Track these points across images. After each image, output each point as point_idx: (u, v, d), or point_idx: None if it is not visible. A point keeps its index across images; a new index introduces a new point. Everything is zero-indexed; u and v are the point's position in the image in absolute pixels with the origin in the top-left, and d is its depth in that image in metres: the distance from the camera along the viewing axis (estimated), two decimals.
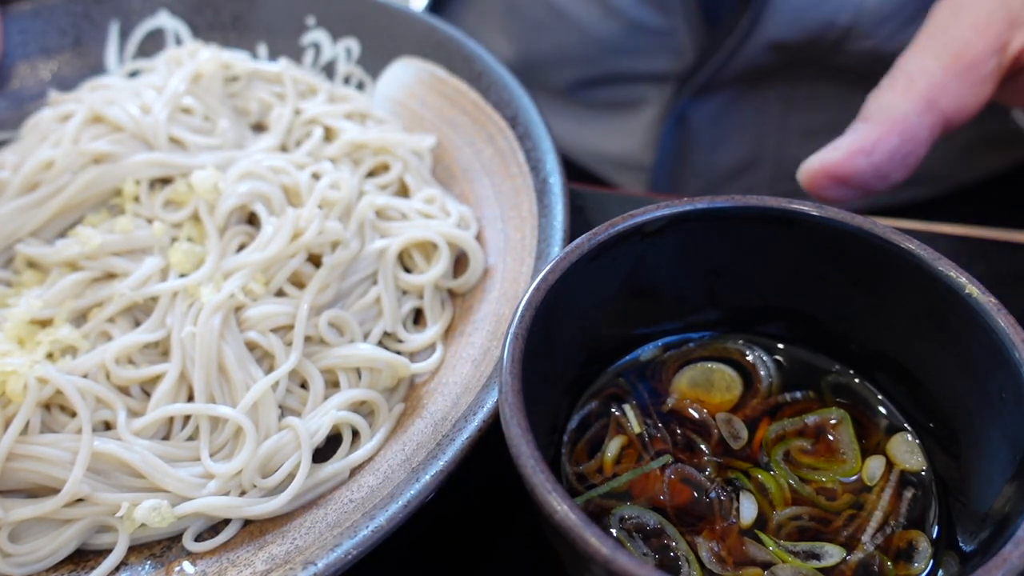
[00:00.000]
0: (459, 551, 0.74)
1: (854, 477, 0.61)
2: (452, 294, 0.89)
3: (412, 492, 0.67)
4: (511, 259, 0.86)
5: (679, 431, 0.64)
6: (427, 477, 0.68)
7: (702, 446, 0.63)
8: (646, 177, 1.36)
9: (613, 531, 0.59)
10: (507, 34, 1.40)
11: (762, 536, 0.58)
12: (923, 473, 0.61)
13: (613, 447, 0.63)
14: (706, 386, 0.66)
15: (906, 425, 0.64)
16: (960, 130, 1.14)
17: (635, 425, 0.64)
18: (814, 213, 0.62)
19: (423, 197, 0.93)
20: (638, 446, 0.63)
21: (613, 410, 0.65)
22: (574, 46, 1.32)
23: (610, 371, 0.68)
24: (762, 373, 0.67)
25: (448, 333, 0.86)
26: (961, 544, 0.57)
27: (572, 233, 0.72)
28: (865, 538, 0.58)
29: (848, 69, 1.19)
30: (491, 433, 0.68)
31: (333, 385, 0.82)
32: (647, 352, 0.69)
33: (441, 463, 0.69)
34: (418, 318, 0.89)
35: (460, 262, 0.90)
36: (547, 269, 0.60)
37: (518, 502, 0.76)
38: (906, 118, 0.78)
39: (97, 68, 1.14)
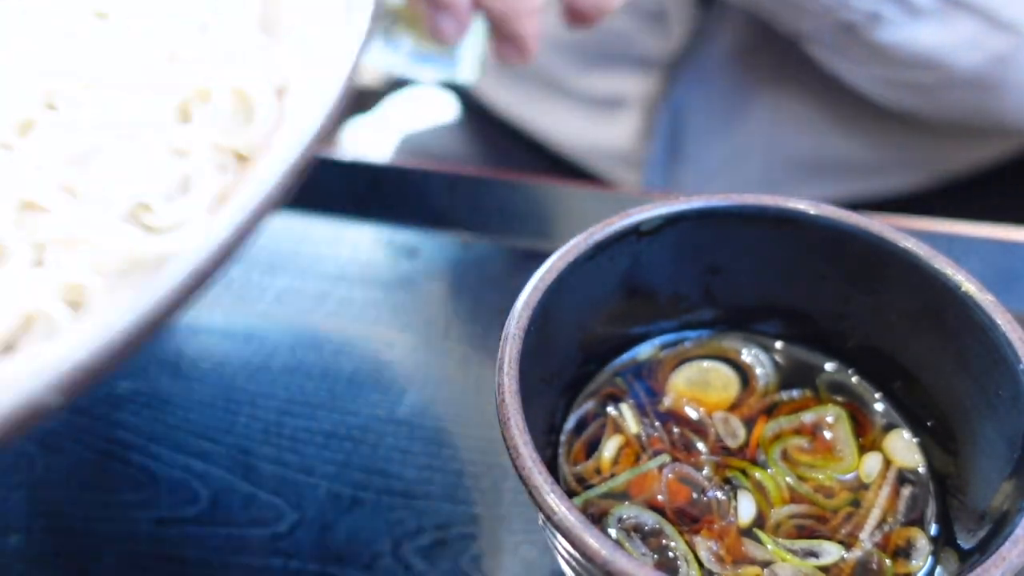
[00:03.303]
0: (456, 543, 0.74)
1: (851, 475, 0.62)
2: (239, 157, 0.68)
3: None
4: (308, 108, 0.62)
5: (676, 430, 0.64)
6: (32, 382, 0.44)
7: (699, 445, 0.63)
8: (637, 169, 1.36)
9: (612, 531, 0.59)
10: None
11: (760, 535, 0.59)
12: (920, 470, 0.63)
13: (611, 447, 0.64)
14: (703, 385, 0.67)
15: (903, 422, 0.65)
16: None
17: (632, 425, 0.65)
18: (811, 212, 0.63)
19: (221, 36, 0.72)
20: (636, 446, 0.64)
21: (610, 410, 0.66)
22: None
23: (607, 371, 0.68)
24: (758, 372, 0.67)
25: (224, 203, 0.63)
26: (960, 542, 0.58)
27: (566, 233, 0.71)
28: (863, 536, 0.59)
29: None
30: (477, 408, 0.65)
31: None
32: (644, 351, 0.69)
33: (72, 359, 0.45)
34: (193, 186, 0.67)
35: (252, 116, 0.69)
36: (544, 269, 0.61)
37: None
38: None
39: None
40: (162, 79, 0.67)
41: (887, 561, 0.58)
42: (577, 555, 0.50)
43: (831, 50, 1.12)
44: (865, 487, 0.62)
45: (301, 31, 0.73)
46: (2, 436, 0.42)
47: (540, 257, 0.62)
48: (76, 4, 0.70)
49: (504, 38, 0.94)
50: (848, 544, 0.59)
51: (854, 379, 0.67)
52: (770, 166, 1.34)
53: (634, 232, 0.64)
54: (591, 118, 1.40)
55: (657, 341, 0.70)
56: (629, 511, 0.60)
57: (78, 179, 0.61)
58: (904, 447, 0.63)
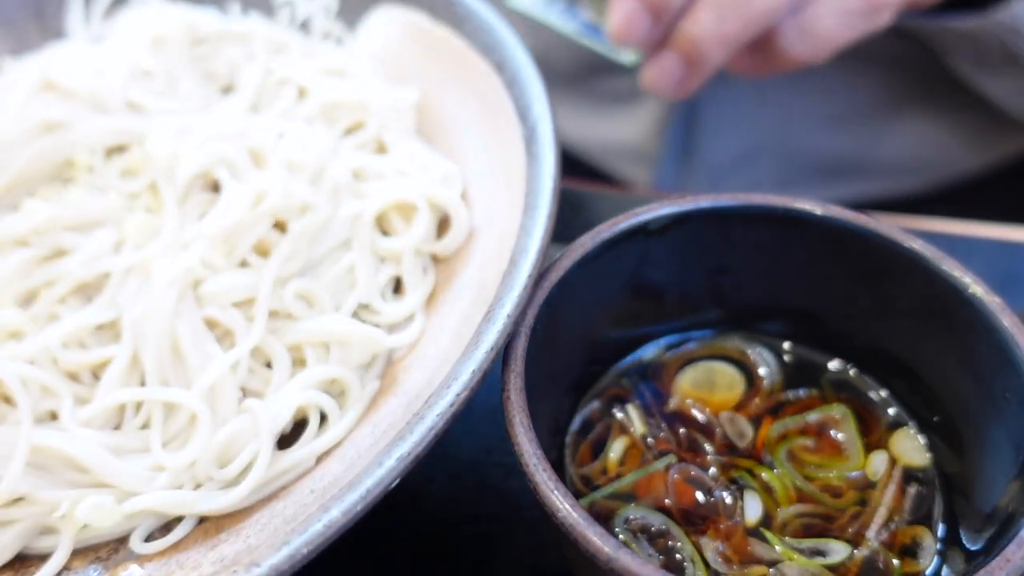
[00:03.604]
0: (457, 544, 0.74)
1: (858, 473, 0.63)
2: (435, 259, 0.82)
3: (372, 480, 0.60)
4: (498, 217, 0.79)
5: (682, 431, 0.65)
6: (390, 461, 0.61)
7: (705, 446, 0.64)
8: (650, 166, 1.37)
9: (618, 532, 0.59)
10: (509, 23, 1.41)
11: (767, 534, 0.59)
12: (926, 469, 0.63)
13: (617, 448, 0.64)
14: (708, 385, 0.67)
15: (908, 421, 0.65)
16: (970, 122, 1.17)
17: (638, 426, 0.65)
18: (818, 212, 0.63)
19: (402, 153, 0.87)
20: (642, 447, 0.64)
21: (615, 411, 0.66)
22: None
23: (612, 371, 0.69)
24: (763, 371, 0.68)
25: (430, 301, 0.79)
26: (965, 542, 0.58)
27: (573, 233, 0.71)
28: (870, 534, 0.60)
29: (852, 52, 1.21)
30: (479, 408, 0.66)
31: (301, 363, 0.76)
32: (649, 352, 0.69)
33: (407, 445, 0.61)
34: (398, 287, 0.82)
35: (444, 224, 0.83)
36: (550, 267, 0.61)
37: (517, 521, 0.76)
38: None
39: (61, 37, 1.06)
40: (366, 194, 0.83)
41: (894, 560, 0.58)
42: (582, 554, 0.50)
43: (983, 70, 1.13)
44: (872, 485, 0.62)
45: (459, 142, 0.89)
46: (363, 512, 0.59)
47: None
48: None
49: (679, 62, 0.92)
50: (855, 543, 0.59)
51: (858, 378, 0.67)
52: (782, 166, 1.34)
53: (641, 231, 0.64)
54: (604, 115, 1.40)
55: (662, 342, 0.70)
56: (635, 512, 0.60)
57: (310, 287, 0.77)
58: (910, 445, 0.64)
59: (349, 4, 1.04)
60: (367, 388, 0.73)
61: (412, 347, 0.75)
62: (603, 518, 0.60)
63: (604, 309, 0.67)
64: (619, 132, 1.39)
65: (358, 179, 0.85)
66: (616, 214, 0.64)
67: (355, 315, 0.78)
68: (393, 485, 0.61)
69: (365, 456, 0.66)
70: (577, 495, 0.61)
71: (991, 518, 0.56)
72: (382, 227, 0.83)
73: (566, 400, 0.66)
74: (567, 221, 0.91)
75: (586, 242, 0.62)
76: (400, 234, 0.81)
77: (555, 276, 0.61)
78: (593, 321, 0.66)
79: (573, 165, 1.45)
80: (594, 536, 0.49)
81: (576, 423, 0.66)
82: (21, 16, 1.07)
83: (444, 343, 0.72)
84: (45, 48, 1.02)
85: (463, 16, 0.94)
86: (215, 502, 0.67)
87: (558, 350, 0.63)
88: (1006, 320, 0.57)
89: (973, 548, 0.57)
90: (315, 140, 0.84)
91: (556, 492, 0.51)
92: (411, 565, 0.65)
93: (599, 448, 0.64)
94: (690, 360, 0.69)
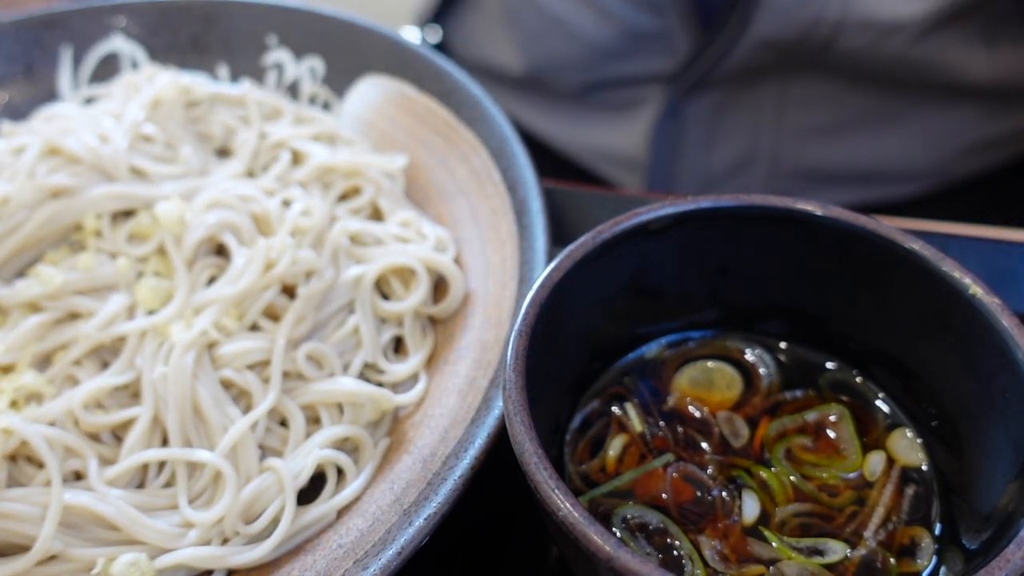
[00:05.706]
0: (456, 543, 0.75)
1: (855, 473, 0.63)
2: (433, 321, 0.87)
3: (406, 537, 0.65)
4: (492, 283, 0.84)
5: (680, 430, 0.65)
6: (420, 520, 0.66)
7: (703, 444, 0.64)
8: (643, 175, 1.38)
9: (616, 530, 0.60)
10: (510, 43, 1.43)
11: (766, 532, 0.60)
12: (924, 469, 0.63)
13: (615, 446, 0.65)
14: (707, 385, 0.68)
15: (906, 421, 0.66)
16: (960, 132, 1.20)
17: (637, 424, 0.65)
18: (819, 213, 0.64)
19: (398, 220, 0.92)
20: (640, 445, 0.64)
21: (615, 409, 0.67)
22: (574, 53, 1.35)
23: (613, 370, 0.69)
24: (762, 371, 0.68)
25: (431, 362, 0.84)
26: (964, 542, 0.58)
27: (573, 233, 0.71)
28: (868, 534, 0.60)
29: (842, 68, 1.22)
30: (488, 457, 0.68)
31: (314, 421, 0.80)
32: (650, 351, 0.70)
33: (434, 504, 0.66)
34: (399, 347, 0.87)
35: (439, 287, 0.88)
36: (551, 267, 0.62)
37: (516, 521, 0.77)
38: None
39: (50, 95, 1.12)
40: (365, 258, 0.89)
41: (891, 560, 0.58)
42: (582, 552, 0.50)
43: None
44: (869, 485, 0.62)
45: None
46: (397, 568, 0.64)
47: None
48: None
49: None
50: (853, 542, 0.59)
51: (857, 378, 0.68)
52: (773, 174, 1.36)
53: (643, 231, 0.65)
54: (599, 124, 1.42)
55: (663, 341, 0.71)
56: (634, 511, 0.60)
57: (320, 348, 0.82)
58: (907, 445, 0.64)
59: (335, 73, 1.10)
60: (379, 445, 0.78)
61: (418, 406, 0.80)
62: (602, 516, 0.61)
63: (605, 309, 0.67)
64: (613, 140, 1.40)
65: (356, 244, 0.89)
66: (616, 215, 0.64)
67: (361, 374, 0.82)
68: (424, 542, 0.66)
69: (388, 512, 0.70)
70: (576, 492, 0.61)
71: (990, 518, 0.57)
72: (381, 290, 0.88)
73: (567, 398, 0.67)
74: (567, 222, 0.91)
75: (587, 242, 0.63)
76: (399, 296, 0.86)
77: (556, 276, 0.61)
78: (594, 320, 0.67)
79: (567, 169, 1.46)
80: (594, 535, 0.49)
81: (576, 421, 0.66)
82: (11, 74, 1.11)
83: (450, 403, 0.77)
84: (37, 108, 1.07)
85: (450, 89, 0.99)
86: (245, 556, 0.72)
87: (559, 349, 0.64)
88: (1005, 320, 0.57)
89: (972, 549, 0.57)
90: (316, 206, 0.88)
91: (557, 491, 0.51)
92: (410, 564, 0.65)
93: (598, 446, 0.65)
94: (689, 359, 0.70)
